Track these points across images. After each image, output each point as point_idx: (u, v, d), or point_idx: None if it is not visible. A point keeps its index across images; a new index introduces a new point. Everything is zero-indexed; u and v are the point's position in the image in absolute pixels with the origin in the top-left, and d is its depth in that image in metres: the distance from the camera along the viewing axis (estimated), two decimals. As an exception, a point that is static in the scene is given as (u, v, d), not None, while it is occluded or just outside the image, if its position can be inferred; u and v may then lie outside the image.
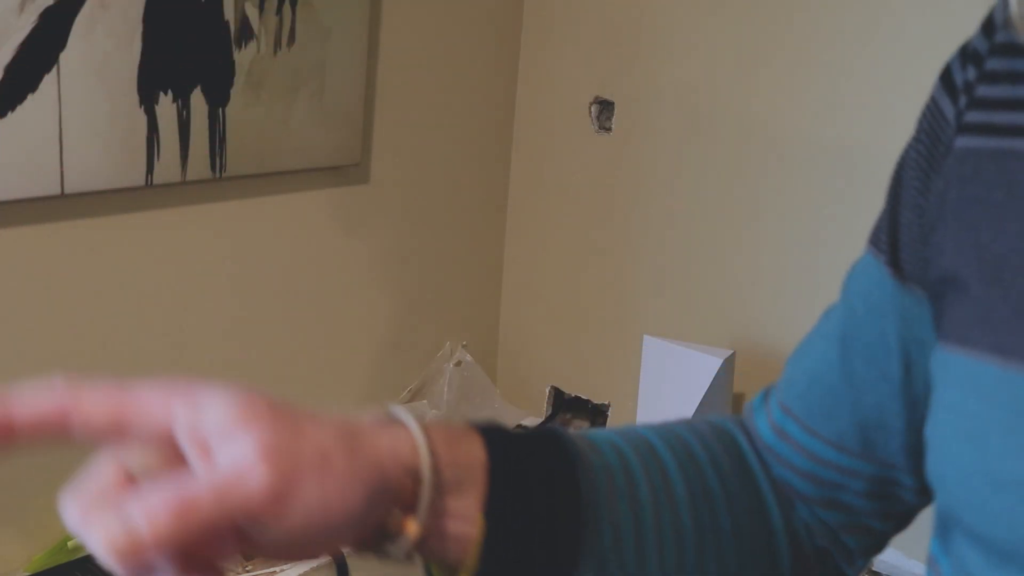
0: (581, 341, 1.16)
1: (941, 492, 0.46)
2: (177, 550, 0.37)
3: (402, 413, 0.46)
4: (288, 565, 0.89)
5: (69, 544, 0.84)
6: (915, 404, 0.52)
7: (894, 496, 0.55)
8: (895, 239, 0.52)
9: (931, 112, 0.51)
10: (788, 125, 0.97)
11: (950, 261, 0.48)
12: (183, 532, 0.37)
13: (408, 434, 0.46)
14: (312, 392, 1.02)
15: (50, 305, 0.81)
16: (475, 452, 0.47)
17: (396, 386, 1.11)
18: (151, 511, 0.37)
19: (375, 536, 0.45)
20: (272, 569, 0.88)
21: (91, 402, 0.41)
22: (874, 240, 0.53)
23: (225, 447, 0.39)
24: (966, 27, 0.78)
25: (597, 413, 1.16)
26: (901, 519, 0.57)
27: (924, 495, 0.54)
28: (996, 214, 0.46)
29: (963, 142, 0.48)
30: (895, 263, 0.51)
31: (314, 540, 0.43)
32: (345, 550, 0.48)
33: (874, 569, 0.96)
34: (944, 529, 0.47)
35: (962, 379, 0.45)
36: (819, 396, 0.55)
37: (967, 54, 0.50)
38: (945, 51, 0.55)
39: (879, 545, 0.58)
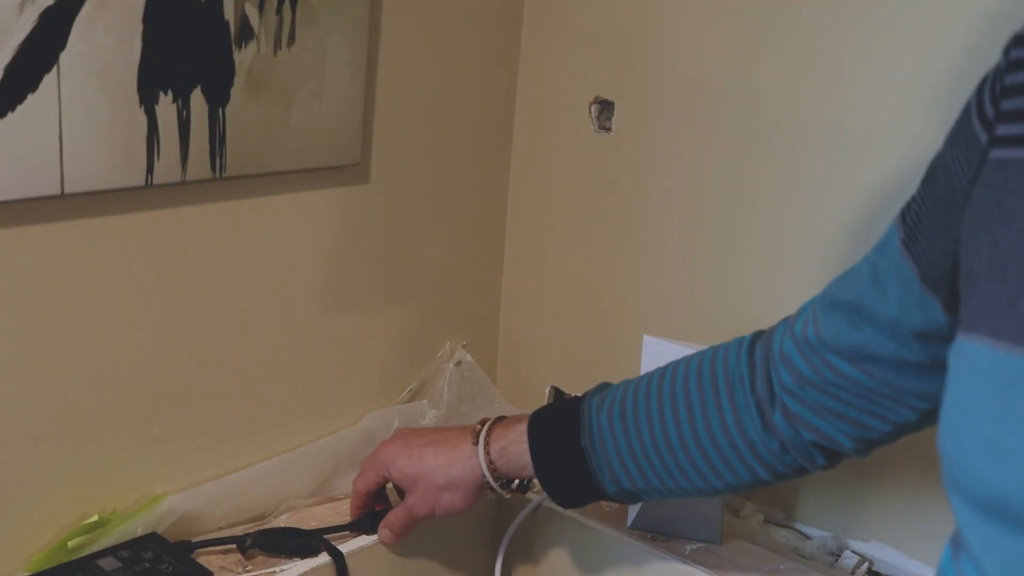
0: (581, 341, 1.16)
1: (944, 457, 0.53)
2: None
3: (482, 430, 0.88)
4: (288, 565, 0.89)
5: (69, 544, 0.84)
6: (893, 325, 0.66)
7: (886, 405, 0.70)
8: (915, 224, 0.64)
9: (964, 126, 0.60)
10: (790, 125, 0.97)
11: (969, 258, 0.55)
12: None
13: (478, 448, 0.87)
14: (312, 392, 1.02)
15: (50, 305, 0.81)
16: (518, 435, 0.85)
17: (396, 386, 1.11)
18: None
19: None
20: (272, 569, 0.88)
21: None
22: (902, 214, 0.67)
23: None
24: (975, 14, 0.78)
25: (597, 413, 1.16)
26: (900, 428, 0.72)
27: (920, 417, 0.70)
28: (1010, 215, 0.52)
29: (997, 154, 0.55)
30: (908, 241, 0.64)
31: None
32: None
33: (874, 569, 0.97)
34: (949, 491, 0.54)
35: (964, 360, 0.53)
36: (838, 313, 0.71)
37: (1004, 66, 0.57)
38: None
39: (876, 441, 0.73)
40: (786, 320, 0.78)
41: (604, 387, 0.86)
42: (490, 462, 0.85)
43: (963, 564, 0.53)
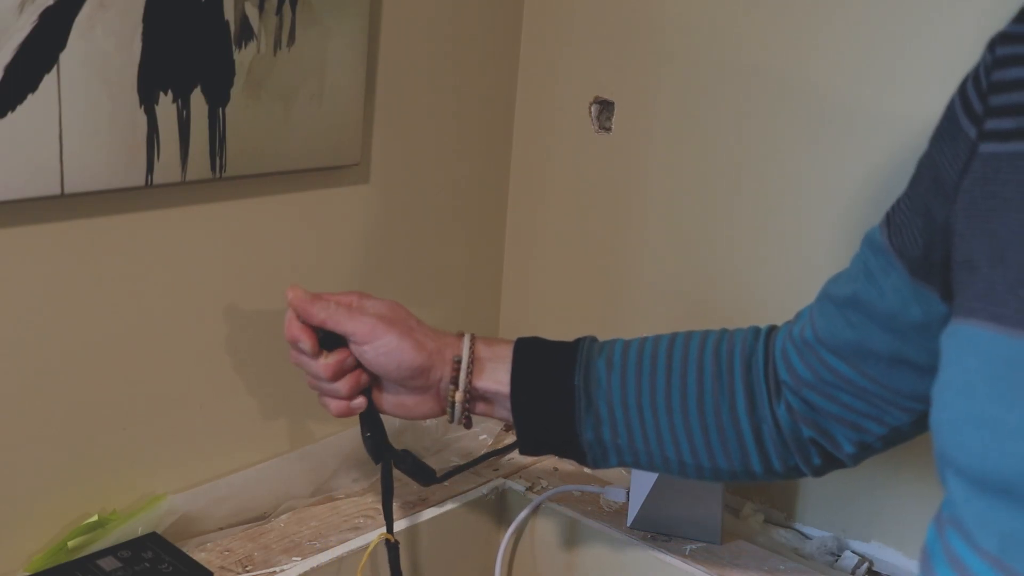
0: (581, 341, 1.16)
1: (938, 436, 0.55)
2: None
3: (468, 333, 0.81)
4: (288, 565, 0.89)
5: (69, 544, 0.84)
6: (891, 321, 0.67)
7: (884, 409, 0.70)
8: (901, 222, 0.66)
9: (950, 122, 0.62)
10: (790, 124, 0.97)
11: (967, 247, 0.57)
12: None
13: (463, 340, 0.80)
14: (313, 392, 1.02)
15: (49, 305, 0.81)
16: (505, 351, 0.80)
17: (396, 386, 1.11)
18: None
19: (444, 409, 0.81)
20: (272, 569, 0.88)
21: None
22: (887, 216, 0.69)
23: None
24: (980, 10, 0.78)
25: (597, 413, 1.16)
26: (895, 432, 0.72)
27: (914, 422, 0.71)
28: (1007, 206, 0.54)
29: (986, 148, 0.57)
30: (894, 239, 0.66)
31: (388, 374, 0.80)
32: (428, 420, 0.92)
33: (874, 569, 0.97)
34: (942, 470, 0.55)
35: (963, 343, 0.55)
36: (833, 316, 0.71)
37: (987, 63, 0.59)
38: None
39: (870, 446, 0.74)
40: (789, 322, 0.78)
41: (595, 338, 0.82)
42: (471, 362, 0.79)
43: (950, 540, 0.54)
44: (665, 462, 0.77)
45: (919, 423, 0.71)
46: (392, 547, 0.90)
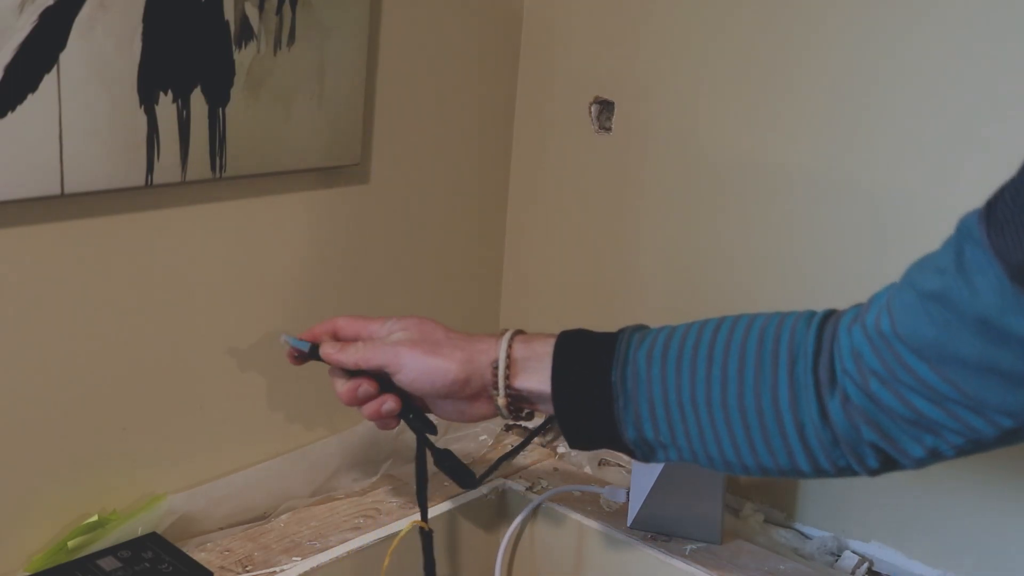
0: (581, 341, 1.16)
1: None
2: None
3: (508, 330, 0.78)
4: (288, 565, 0.89)
5: (69, 544, 0.84)
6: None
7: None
8: (1005, 217, 0.56)
9: None
10: (791, 124, 0.97)
11: None
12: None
13: (501, 341, 0.77)
14: (312, 392, 1.02)
15: (49, 305, 0.81)
16: (545, 347, 0.76)
17: (396, 386, 1.11)
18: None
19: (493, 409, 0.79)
20: (272, 569, 0.88)
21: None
22: (989, 204, 0.58)
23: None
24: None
25: (597, 413, 1.16)
26: (974, 444, 0.63)
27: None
28: None
29: None
30: (994, 236, 0.57)
31: (428, 394, 0.80)
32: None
33: (874, 569, 0.97)
34: None
35: None
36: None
37: None
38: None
39: (942, 454, 0.65)
40: (857, 306, 0.68)
41: (644, 327, 0.77)
42: (508, 365, 0.77)
43: None
44: (709, 459, 0.72)
45: (1007, 438, 0.62)
46: (426, 535, 0.90)
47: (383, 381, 0.82)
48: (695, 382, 0.70)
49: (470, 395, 0.79)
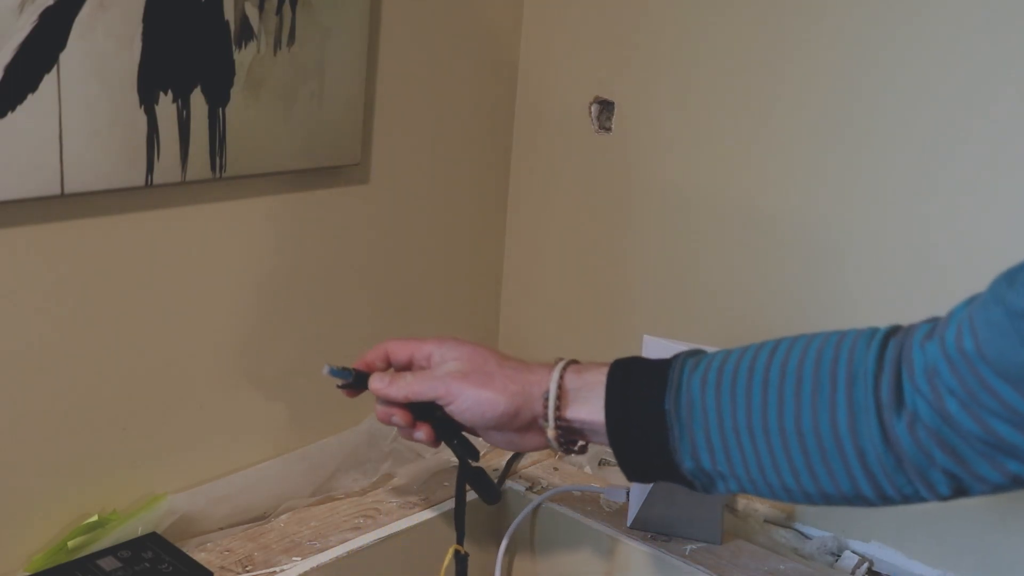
0: (581, 341, 1.16)
1: None
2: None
3: (562, 360, 0.76)
4: (288, 565, 0.89)
5: (69, 544, 0.84)
6: None
7: None
8: None
9: None
10: (790, 123, 0.97)
11: None
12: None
13: (552, 370, 0.76)
14: (312, 392, 1.02)
15: (49, 305, 0.81)
16: (597, 376, 0.74)
17: (396, 386, 1.11)
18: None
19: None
20: (272, 569, 0.88)
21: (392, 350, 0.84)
22: None
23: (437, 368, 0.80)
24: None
25: (597, 413, 1.16)
26: None
27: None
28: None
29: None
30: None
31: (479, 425, 0.79)
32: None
33: (874, 569, 0.97)
34: None
35: None
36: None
37: None
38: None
39: (1019, 480, 0.60)
40: (931, 321, 0.64)
41: (699, 352, 0.74)
42: (559, 395, 0.74)
43: None
44: (770, 488, 0.68)
45: None
46: (461, 559, 0.89)
47: (425, 408, 0.81)
48: (751, 407, 0.67)
49: (520, 427, 0.78)
